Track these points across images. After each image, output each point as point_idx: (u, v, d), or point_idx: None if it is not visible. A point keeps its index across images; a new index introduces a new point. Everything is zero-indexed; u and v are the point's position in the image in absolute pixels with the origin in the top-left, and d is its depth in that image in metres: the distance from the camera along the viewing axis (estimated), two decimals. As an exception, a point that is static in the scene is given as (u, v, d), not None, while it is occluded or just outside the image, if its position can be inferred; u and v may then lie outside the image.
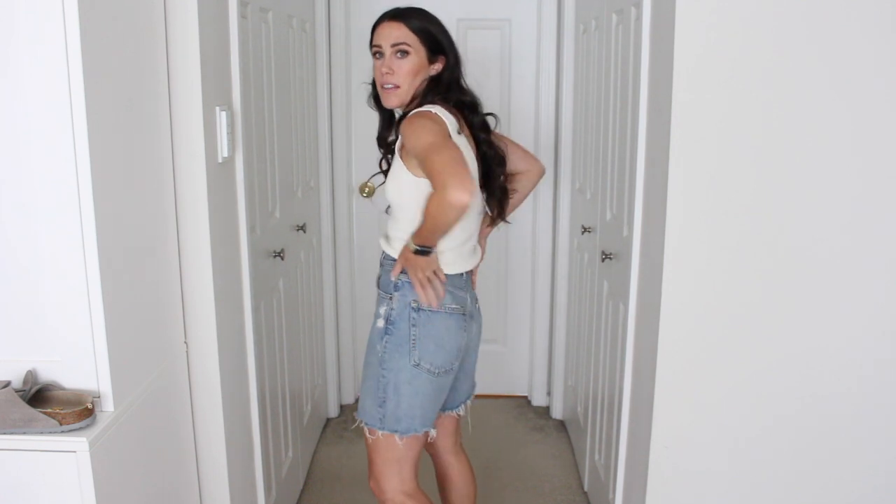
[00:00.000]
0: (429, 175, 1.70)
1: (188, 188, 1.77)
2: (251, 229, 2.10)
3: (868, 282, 1.79)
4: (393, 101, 1.87)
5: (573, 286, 3.13)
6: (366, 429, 1.93)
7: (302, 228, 2.76)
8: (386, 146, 1.99)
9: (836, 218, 1.76)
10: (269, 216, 2.34)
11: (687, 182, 1.75)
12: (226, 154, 1.87)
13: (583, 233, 2.80)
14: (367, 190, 3.30)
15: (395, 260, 1.87)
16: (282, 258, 2.42)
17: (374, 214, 3.27)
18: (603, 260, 2.39)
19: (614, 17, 2.27)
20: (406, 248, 1.82)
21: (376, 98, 1.95)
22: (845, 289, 1.79)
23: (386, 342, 1.87)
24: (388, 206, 1.91)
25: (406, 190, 1.82)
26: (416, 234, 1.80)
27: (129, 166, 1.58)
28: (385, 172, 1.96)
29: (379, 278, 1.95)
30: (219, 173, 1.87)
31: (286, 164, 2.53)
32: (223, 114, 1.84)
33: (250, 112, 2.09)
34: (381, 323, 1.89)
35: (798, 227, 1.77)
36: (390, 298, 1.88)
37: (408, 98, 1.87)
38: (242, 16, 1.98)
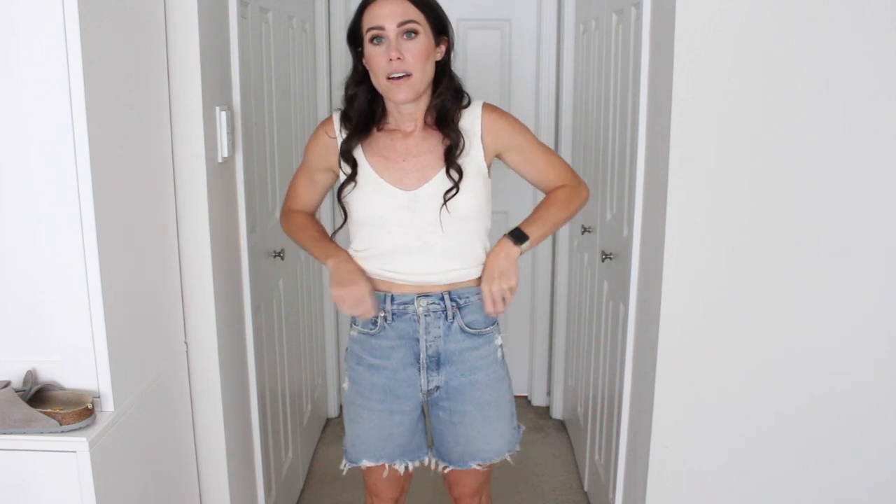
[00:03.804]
0: (541, 172, 1.71)
1: (188, 188, 1.77)
2: (251, 229, 2.10)
3: (868, 282, 1.79)
4: (405, 94, 1.55)
5: (573, 286, 3.12)
6: (494, 463, 1.82)
7: (302, 228, 2.75)
8: (457, 144, 1.62)
9: (836, 218, 1.76)
10: (269, 216, 2.34)
11: (687, 182, 1.75)
12: (226, 154, 1.87)
13: (583, 233, 2.80)
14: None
15: (478, 292, 1.69)
16: (282, 258, 2.42)
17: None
18: (603, 260, 2.39)
19: (614, 17, 2.27)
20: (512, 248, 1.64)
21: (350, 99, 1.64)
22: (845, 289, 1.79)
23: (506, 368, 1.81)
24: (438, 226, 1.62)
25: (486, 192, 1.65)
26: (528, 223, 1.67)
27: (129, 166, 1.58)
28: (454, 182, 1.61)
29: (459, 316, 1.69)
30: (219, 173, 1.87)
31: (286, 164, 2.53)
32: (223, 114, 1.84)
33: (250, 112, 2.09)
34: (500, 354, 1.78)
35: (798, 227, 1.77)
36: (496, 325, 1.76)
37: (422, 88, 1.58)
38: (242, 16, 1.98)
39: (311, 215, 1.83)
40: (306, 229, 1.79)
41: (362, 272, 1.68)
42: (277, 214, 2.42)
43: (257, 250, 2.17)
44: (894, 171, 1.73)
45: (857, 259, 1.78)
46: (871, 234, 1.76)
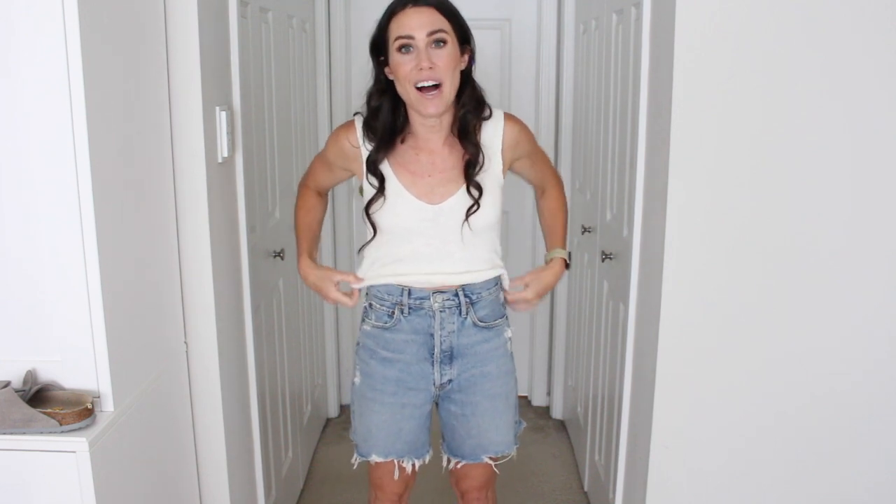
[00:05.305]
0: (541, 172, 1.83)
1: (188, 188, 1.77)
2: (251, 229, 2.10)
3: (868, 282, 1.79)
4: (436, 107, 1.55)
5: (573, 286, 3.13)
6: (505, 457, 1.84)
7: (302, 228, 2.75)
8: (476, 160, 1.65)
9: (836, 218, 1.76)
10: (269, 216, 2.35)
11: (687, 182, 1.75)
12: (226, 154, 1.87)
13: (583, 233, 2.80)
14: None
15: (496, 284, 1.77)
16: (282, 258, 2.42)
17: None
18: (603, 260, 2.39)
19: (614, 17, 2.27)
20: (562, 264, 1.80)
21: (375, 110, 1.62)
22: (845, 289, 1.79)
23: (514, 363, 1.86)
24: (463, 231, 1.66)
25: (502, 201, 1.71)
26: (562, 241, 1.84)
27: (129, 166, 1.58)
28: (475, 200, 1.65)
29: (472, 311, 1.74)
30: (219, 173, 1.87)
31: (286, 164, 2.53)
32: (223, 114, 1.84)
33: (250, 112, 2.09)
34: (509, 346, 1.84)
35: (798, 227, 1.77)
36: (505, 318, 1.83)
37: (451, 100, 1.57)
38: (242, 16, 1.98)
39: (320, 195, 1.91)
40: (300, 218, 1.88)
41: (320, 278, 1.77)
42: (278, 214, 2.44)
43: (257, 250, 2.17)
44: (894, 171, 1.73)
45: (857, 259, 1.78)
46: (871, 234, 1.76)
